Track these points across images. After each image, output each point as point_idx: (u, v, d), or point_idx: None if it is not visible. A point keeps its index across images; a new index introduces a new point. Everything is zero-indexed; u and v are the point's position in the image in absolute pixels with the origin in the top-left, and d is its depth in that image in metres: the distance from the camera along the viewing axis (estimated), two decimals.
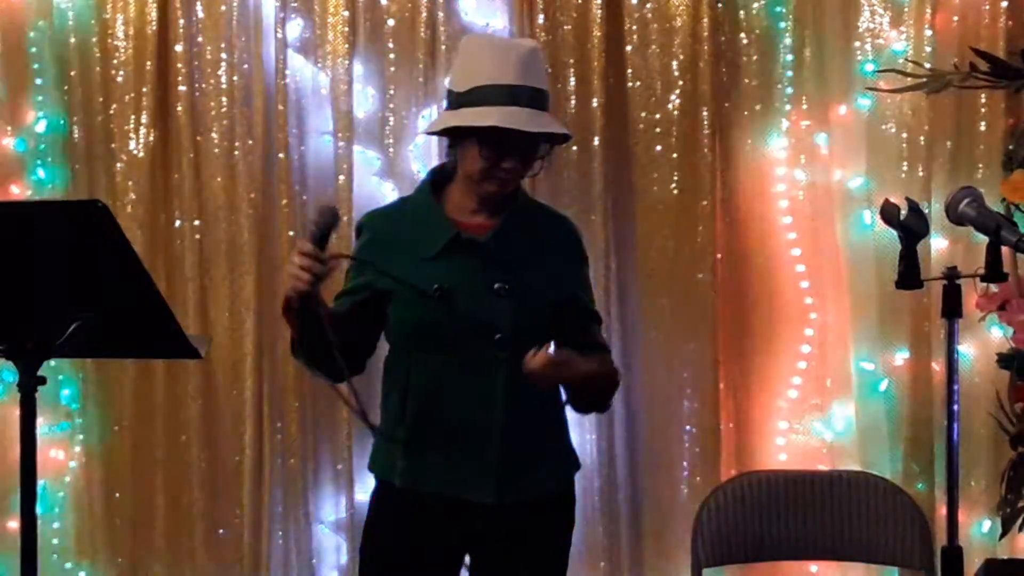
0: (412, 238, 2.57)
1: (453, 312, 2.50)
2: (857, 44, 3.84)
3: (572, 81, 3.92)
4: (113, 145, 4.05)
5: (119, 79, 4.04)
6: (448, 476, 2.56)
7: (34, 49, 4.07)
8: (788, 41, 3.89)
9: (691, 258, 3.91)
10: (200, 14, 4.02)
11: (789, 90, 3.89)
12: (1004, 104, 3.72)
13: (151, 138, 4.03)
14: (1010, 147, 3.66)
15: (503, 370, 2.51)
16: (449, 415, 2.55)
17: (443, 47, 3.93)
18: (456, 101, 2.55)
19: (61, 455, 4.09)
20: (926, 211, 3.09)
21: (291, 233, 3.98)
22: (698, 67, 3.89)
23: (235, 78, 4.01)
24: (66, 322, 2.18)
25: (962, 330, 2.93)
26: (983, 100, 3.73)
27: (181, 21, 4.01)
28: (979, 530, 3.78)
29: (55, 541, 4.07)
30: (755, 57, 3.91)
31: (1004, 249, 2.50)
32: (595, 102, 3.90)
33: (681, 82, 3.91)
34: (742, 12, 3.91)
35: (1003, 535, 3.63)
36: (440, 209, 2.59)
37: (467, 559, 2.69)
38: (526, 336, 2.47)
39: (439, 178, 2.64)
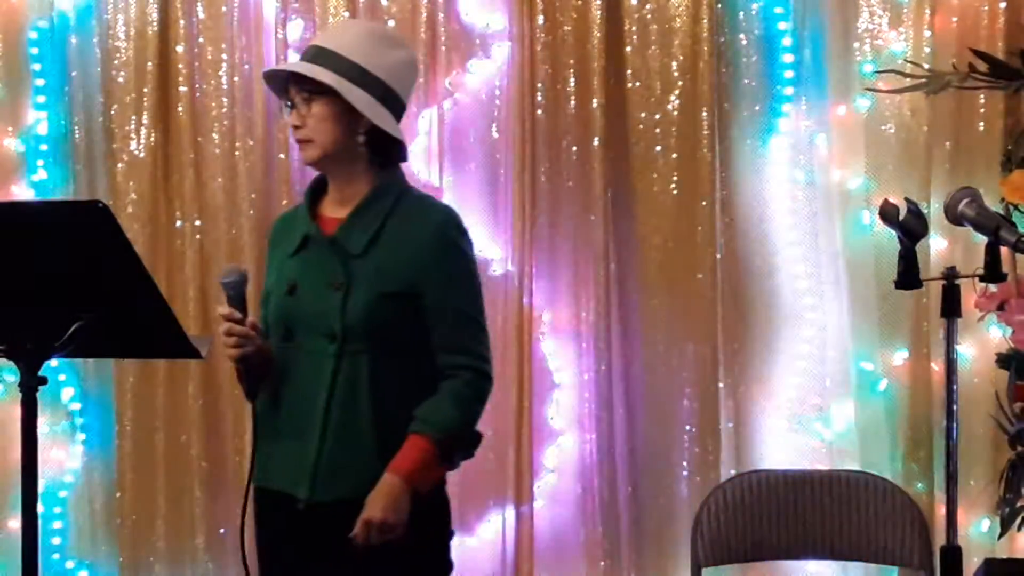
0: (288, 237, 2.62)
1: (296, 307, 2.53)
2: (856, 45, 3.84)
3: (572, 81, 3.93)
4: (114, 145, 4.06)
5: (120, 80, 4.05)
6: (279, 471, 2.54)
7: (34, 49, 4.08)
8: (788, 41, 3.90)
9: (691, 258, 3.91)
10: (201, 15, 4.02)
11: (789, 90, 3.90)
12: (1003, 104, 3.72)
13: (152, 139, 4.03)
14: (1009, 147, 3.66)
15: (330, 365, 2.49)
16: (283, 410, 2.55)
17: (443, 47, 3.94)
18: None
19: (62, 455, 4.10)
20: (925, 211, 3.09)
21: None
22: (698, 68, 3.90)
23: (236, 79, 4.01)
24: (67, 322, 2.18)
25: (961, 330, 2.94)
26: (982, 101, 3.73)
27: (182, 22, 4.02)
28: (978, 529, 3.78)
29: (56, 541, 4.08)
30: (755, 57, 3.91)
31: (1003, 249, 2.50)
32: (595, 102, 3.90)
33: (681, 82, 3.91)
34: (741, 13, 3.91)
35: (1002, 534, 3.64)
36: (308, 207, 2.60)
37: None
38: (361, 331, 2.47)
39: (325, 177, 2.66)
